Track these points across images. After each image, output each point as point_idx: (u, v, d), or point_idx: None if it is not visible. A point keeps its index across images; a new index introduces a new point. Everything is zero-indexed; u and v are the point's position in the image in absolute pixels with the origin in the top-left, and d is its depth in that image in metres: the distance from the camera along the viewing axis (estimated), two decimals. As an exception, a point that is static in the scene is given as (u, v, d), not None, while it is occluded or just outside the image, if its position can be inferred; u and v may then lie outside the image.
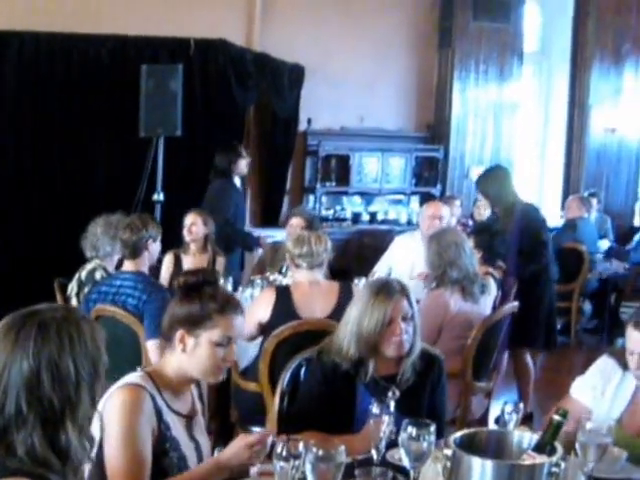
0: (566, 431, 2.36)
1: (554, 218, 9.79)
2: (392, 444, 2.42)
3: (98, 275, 4.82)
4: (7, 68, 7.46)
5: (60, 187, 7.64)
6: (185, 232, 5.81)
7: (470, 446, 2.22)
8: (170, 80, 7.01)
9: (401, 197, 9.90)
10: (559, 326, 8.10)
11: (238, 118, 8.42)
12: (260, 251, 6.92)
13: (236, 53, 8.34)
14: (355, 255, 8.56)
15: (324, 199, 9.43)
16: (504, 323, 4.32)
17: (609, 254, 8.15)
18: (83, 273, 4.89)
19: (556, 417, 2.22)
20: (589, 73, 10.62)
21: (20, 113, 7.53)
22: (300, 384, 3.10)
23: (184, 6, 8.21)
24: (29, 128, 7.58)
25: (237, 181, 7.19)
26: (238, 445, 2.31)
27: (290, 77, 8.73)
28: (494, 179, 5.60)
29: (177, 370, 2.44)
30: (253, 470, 2.35)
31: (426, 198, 9.59)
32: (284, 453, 2.20)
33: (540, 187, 11.32)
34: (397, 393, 2.64)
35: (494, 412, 3.91)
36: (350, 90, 9.25)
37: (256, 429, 3.58)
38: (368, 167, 9.46)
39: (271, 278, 4.96)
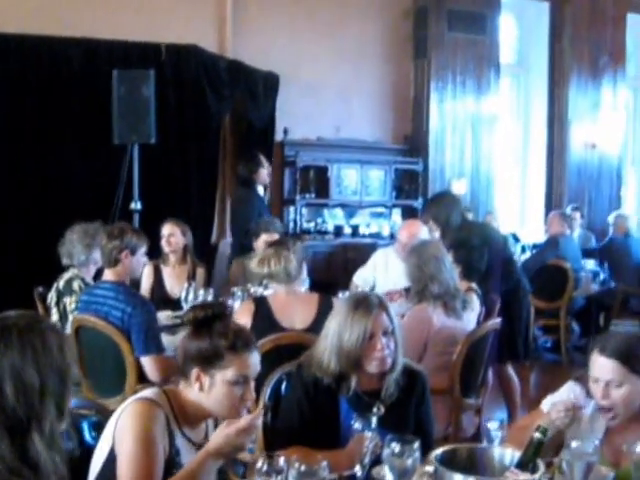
0: (557, 426, 2.47)
1: (537, 234, 9.83)
2: (378, 460, 2.40)
3: (76, 285, 4.79)
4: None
5: (36, 195, 7.51)
6: (164, 243, 5.75)
7: (451, 462, 2.22)
8: (142, 86, 6.91)
9: (382, 210, 9.89)
10: (549, 344, 8.16)
11: (213, 127, 8.37)
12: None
13: (208, 59, 8.29)
14: (340, 268, 8.51)
15: (304, 211, 9.39)
16: (489, 339, 4.31)
17: (596, 276, 8.09)
18: (61, 283, 4.87)
19: (537, 435, 2.23)
20: (567, 88, 10.70)
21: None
22: (282, 399, 3.07)
23: (155, 11, 8.18)
24: (-1, 135, 7.41)
25: (260, 190, 7.20)
26: (226, 433, 2.24)
27: (265, 85, 8.69)
28: (444, 205, 5.54)
29: (195, 405, 2.38)
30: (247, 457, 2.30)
31: (408, 211, 9.62)
32: (265, 468, 2.16)
33: (522, 202, 11.38)
34: (382, 409, 2.62)
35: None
36: (325, 100, 9.23)
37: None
38: (347, 179, 9.44)
39: (252, 290, 4.92)
